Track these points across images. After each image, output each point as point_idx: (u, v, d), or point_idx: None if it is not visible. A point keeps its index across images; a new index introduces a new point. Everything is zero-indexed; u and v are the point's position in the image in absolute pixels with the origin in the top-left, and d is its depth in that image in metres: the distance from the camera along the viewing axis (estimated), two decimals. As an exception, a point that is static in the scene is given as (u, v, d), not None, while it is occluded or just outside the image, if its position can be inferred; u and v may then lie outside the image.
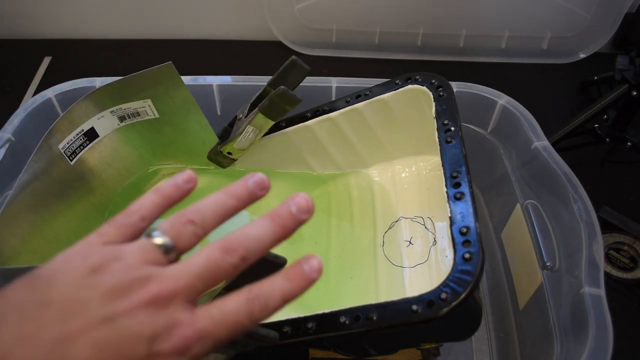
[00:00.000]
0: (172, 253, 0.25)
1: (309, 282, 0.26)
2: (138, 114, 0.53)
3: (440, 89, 0.49)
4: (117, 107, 0.52)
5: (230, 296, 0.25)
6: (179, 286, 0.24)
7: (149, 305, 0.23)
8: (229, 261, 0.25)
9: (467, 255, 0.35)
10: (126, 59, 0.91)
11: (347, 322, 0.36)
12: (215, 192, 0.27)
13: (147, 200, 0.27)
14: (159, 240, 0.25)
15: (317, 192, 0.57)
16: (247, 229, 0.26)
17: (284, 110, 0.50)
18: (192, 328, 0.23)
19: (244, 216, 0.55)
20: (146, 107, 0.53)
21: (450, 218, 0.39)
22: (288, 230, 0.27)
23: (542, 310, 0.47)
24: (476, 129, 0.62)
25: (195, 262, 0.25)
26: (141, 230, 0.26)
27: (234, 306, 0.24)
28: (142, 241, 0.25)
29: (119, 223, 0.26)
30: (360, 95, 0.53)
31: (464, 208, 0.39)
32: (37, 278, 0.23)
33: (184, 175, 0.28)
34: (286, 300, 0.25)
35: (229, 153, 0.55)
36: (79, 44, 0.94)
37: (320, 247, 0.52)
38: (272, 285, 0.25)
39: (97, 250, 0.25)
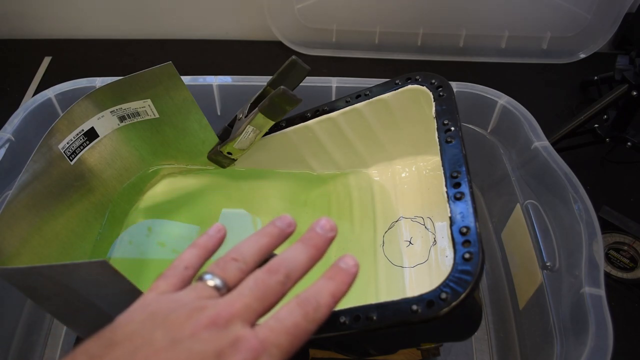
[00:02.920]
0: (223, 289, 0.27)
1: (351, 277, 0.28)
2: (138, 114, 0.53)
3: (440, 89, 0.49)
4: (117, 107, 0.52)
5: (282, 306, 0.27)
6: (236, 308, 0.26)
7: (210, 326, 0.24)
8: (275, 279, 0.27)
9: (467, 255, 0.35)
10: (126, 59, 0.91)
11: (347, 322, 0.36)
12: (251, 234, 0.31)
13: (186, 253, 0.30)
14: (210, 281, 0.27)
15: (317, 192, 0.57)
16: (285, 254, 0.29)
17: (284, 110, 0.50)
18: (255, 339, 0.25)
19: (246, 218, 0.55)
20: (146, 107, 0.53)
21: (450, 218, 0.39)
22: (319, 247, 0.30)
23: (542, 310, 0.47)
24: (476, 129, 0.62)
25: (246, 285, 0.27)
26: (189, 278, 0.29)
27: (287, 312, 0.26)
28: (195, 284, 0.28)
29: (167, 275, 0.28)
30: (360, 95, 0.53)
31: (464, 208, 0.39)
32: (102, 332, 0.25)
33: (214, 227, 0.32)
34: (335, 297, 0.27)
35: (229, 153, 0.55)
36: (79, 44, 0.94)
37: (320, 247, 0.52)
38: (317, 286, 0.28)
39: (154, 299, 0.26)
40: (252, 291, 0.26)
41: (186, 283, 0.28)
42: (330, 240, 0.30)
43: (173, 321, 0.25)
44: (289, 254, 0.29)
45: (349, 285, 0.28)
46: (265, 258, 0.30)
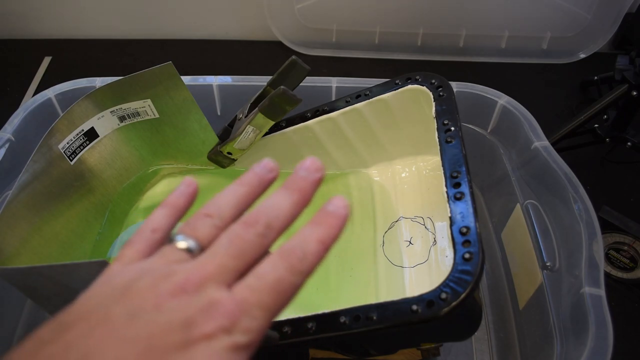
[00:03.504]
0: (196, 251, 0.24)
1: (341, 220, 0.25)
2: (138, 114, 0.53)
3: (440, 89, 0.49)
4: (117, 107, 0.52)
5: (263, 260, 0.23)
6: (208, 270, 0.22)
7: (177, 293, 0.21)
8: (254, 231, 0.24)
9: (467, 255, 0.35)
10: (126, 59, 0.91)
11: (347, 322, 0.36)
12: (229, 185, 0.27)
13: (154, 214, 0.27)
14: (181, 243, 0.24)
15: (316, 192, 0.57)
16: (265, 201, 0.25)
17: (284, 110, 0.50)
18: (231, 302, 0.21)
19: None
20: (146, 107, 0.53)
21: (450, 218, 0.39)
22: (304, 192, 0.26)
23: (542, 310, 0.47)
24: (476, 129, 0.62)
25: (220, 243, 0.24)
26: (158, 242, 0.26)
27: (269, 266, 0.23)
28: (163, 249, 0.25)
29: (133, 241, 0.25)
30: (360, 95, 0.53)
31: (464, 208, 0.39)
32: (59, 314, 0.22)
33: (183, 182, 0.28)
34: (325, 243, 0.24)
35: (229, 153, 0.55)
36: (79, 44, 0.94)
37: (320, 247, 0.52)
38: (303, 234, 0.24)
39: (118, 271, 0.23)
40: (227, 249, 0.23)
41: (155, 248, 0.25)
42: (317, 181, 0.26)
43: (135, 293, 0.22)
44: (270, 201, 0.25)
45: (340, 228, 0.25)
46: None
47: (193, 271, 0.22)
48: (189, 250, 0.24)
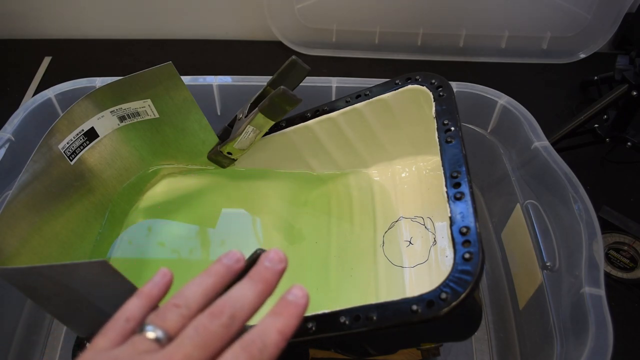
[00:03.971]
0: (164, 341, 0.25)
1: (300, 309, 0.26)
2: (138, 114, 0.53)
3: (440, 89, 0.49)
4: (117, 107, 0.52)
5: (226, 352, 0.25)
6: None
7: None
8: (218, 322, 0.25)
9: (467, 255, 0.35)
10: (126, 59, 0.91)
11: (347, 322, 0.36)
12: (197, 276, 0.28)
13: (128, 304, 0.28)
14: (150, 333, 0.25)
15: (317, 192, 0.57)
16: (230, 292, 0.27)
17: (284, 110, 0.50)
18: None
19: (246, 218, 0.55)
20: (146, 107, 0.53)
21: (450, 218, 0.39)
22: (268, 282, 0.27)
23: (542, 310, 0.47)
24: (476, 129, 0.62)
25: (186, 334, 0.25)
26: (130, 332, 0.27)
27: (231, 358, 0.24)
28: (133, 338, 0.26)
29: (106, 330, 0.26)
30: (360, 95, 0.53)
31: (464, 208, 0.39)
32: None
33: (159, 273, 0.29)
34: (284, 334, 0.26)
35: (229, 153, 0.55)
36: (79, 44, 0.94)
37: (320, 247, 0.52)
38: (263, 325, 0.26)
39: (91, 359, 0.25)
40: (192, 340, 0.24)
41: (127, 337, 0.26)
42: (281, 272, 0.28)
43: None
44: (235, 292, 0.27)
45: (299, 318, 0.26)
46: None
47: None
48: (157, 340, 0.25)
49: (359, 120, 0.54)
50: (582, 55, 0.90)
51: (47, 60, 0.90)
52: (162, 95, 0.52)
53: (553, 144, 0.55)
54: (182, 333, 0.25)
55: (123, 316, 0.27)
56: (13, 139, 0.53)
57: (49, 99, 0.58)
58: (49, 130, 0.46)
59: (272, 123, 0.51)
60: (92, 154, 0.52)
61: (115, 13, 0.92)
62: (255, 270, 0.28)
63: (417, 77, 0.51)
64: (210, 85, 0.61)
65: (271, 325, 0.26)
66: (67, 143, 0.49)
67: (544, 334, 0.47)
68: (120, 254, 0.52)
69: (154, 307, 0.28)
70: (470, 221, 0.38)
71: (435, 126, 0.46)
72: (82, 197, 0.51)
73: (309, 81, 0.57)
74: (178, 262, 0.51)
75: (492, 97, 0.58)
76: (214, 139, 0.55)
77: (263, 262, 0.28)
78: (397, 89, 0.51)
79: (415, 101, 0.51)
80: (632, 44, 0.90)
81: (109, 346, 0.26)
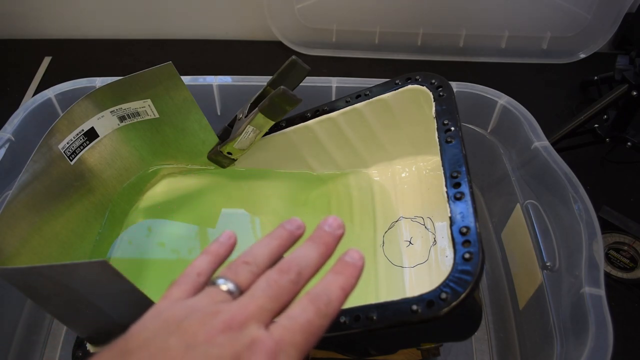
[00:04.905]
0: (236, 293, 0.27)
1: (358, 270, 0.29)
2: (138, 114, 0.53)
3: (440, 89, 0.49)
4: (117, 107, 0.52)
5: (293, 304, 0.27)
6: (249, 310, 0.26)
7: (225, 330, 0.24)
8: (287, 278, 0.27)
9: (467, 255, 0.35)
10: (126, 59, 0.91)
11: (347, 322, 0.36)
12: (262, 238, 0.31)
13: (198, 260, 0.30)
14: (223, 286, 0.27)
15: (316, 192, 0.57)
16: (295, 253, 0.29)
17: (284, 110, 0.50)
18: (271, 340, 0.24)
19: (245, 218, 0.55)
20: (146, 107, 0.53)
21: (450, 218, 0.39)
22: (328, 245, 0.30)
23: (542, 310, 0.47)
24: (476, 129, 0.62)
25: (258, 287, 0.27)
26: (202, 285, 0.29)
27: (300, 309, 0.26)
28: (208, 289, 0.28)
29: (179, 282, 0.28)
30: (360, 95, 0.53)
31: (464, 208, 0.39)
32: (116, 342, 0.25)
33: (224, 235, 0.32)
34: (345, 290, 0.28)
35: (229, 153, 0.55)
36: (79, 44, 0.94)
37: (320, 247, 0.52)
38: (327, 281, 0.28)
39: (168, 307, 0.26)
40: (265, 292, 0.26)
41: (199, 289, 0.28)
42: (339, 237, 0.30)
43: (187, 327, 0.24)
44: (300, 253, 0.29)
45: (357, 278, 0.28)
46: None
47: (237, 311, 0.25)
48: (230, 292, 0.27)
49: (359, 120, 0.54)
50: (582, 55, 0.90)
51: (47, 60, 0.90)
52: (162, 95, 0.52)
53: (553, 144, 0.55)
54: (253, 286, 0.27)
55: (194, 271, 0.29)
56: (13, 139, 0.53)
57: (49, 99, 0.58)
58: (49, 130, 0.46)
59: (272, 123, 0.51)
60: (92, 154, 0.52)
61: (115, 13, 0.92)
62: (316, 234, 0.30)
63: (417, 77, 0.51)
64: (210, 85, 0.61)
65: (334, 282, 0.28)
66: (67, 143, 0.49)
67: (544, 334, 0.47)
68: (120, 254, 0.52)
69: (220, 264, 0.30)
70: (470, 221, 0.38)
71: (435, 126, 0.46)
72: (82, 197, 0.51)
73: (309, 81, 0.57)
74: (178, 262, 0.51)
75: (492, 97, 0.58)
76: (214, 139, 0.55)
77: (323, 227, 0.30)
78: (397, 89, 0.51)
79: (415, 101, 0.51)
80: (632, 44, 0.90)
81: (183, 296, 0.27)
